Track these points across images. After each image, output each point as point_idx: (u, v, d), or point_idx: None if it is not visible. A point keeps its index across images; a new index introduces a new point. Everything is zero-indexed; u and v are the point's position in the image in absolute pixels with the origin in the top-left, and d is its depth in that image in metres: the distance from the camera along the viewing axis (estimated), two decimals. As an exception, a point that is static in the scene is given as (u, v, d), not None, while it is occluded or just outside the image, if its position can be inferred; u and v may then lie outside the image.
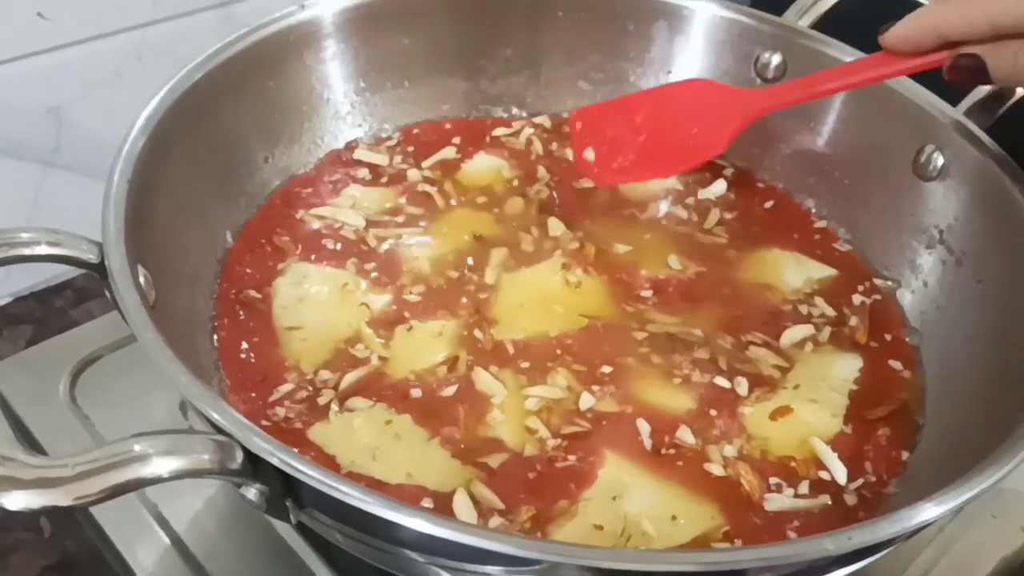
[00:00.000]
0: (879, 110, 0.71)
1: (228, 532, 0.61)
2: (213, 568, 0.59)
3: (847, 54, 0.72)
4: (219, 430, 0.43)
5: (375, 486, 0.53)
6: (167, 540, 0.60)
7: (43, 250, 0.50)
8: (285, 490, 0.44)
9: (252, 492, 0.45)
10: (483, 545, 0.40)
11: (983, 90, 0.67)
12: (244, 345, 0.61)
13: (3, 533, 0.70)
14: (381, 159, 0.75)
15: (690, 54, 0.79)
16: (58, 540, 0.70)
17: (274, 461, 0.42)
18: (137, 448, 0.41)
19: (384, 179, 0.74)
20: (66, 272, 0.88)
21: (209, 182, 0.64)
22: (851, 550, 0.42)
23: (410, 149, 0.77)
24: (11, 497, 0.38)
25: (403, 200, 0.72)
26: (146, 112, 0.58)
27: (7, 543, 0.70)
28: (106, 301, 0.85)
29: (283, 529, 0.60)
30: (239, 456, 0.43)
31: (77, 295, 0.88)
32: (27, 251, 0.50)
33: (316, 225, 0.70)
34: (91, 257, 0.51)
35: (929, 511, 0.44)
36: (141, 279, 0.51)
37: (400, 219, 0.71)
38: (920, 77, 0.68)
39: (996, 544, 0.64)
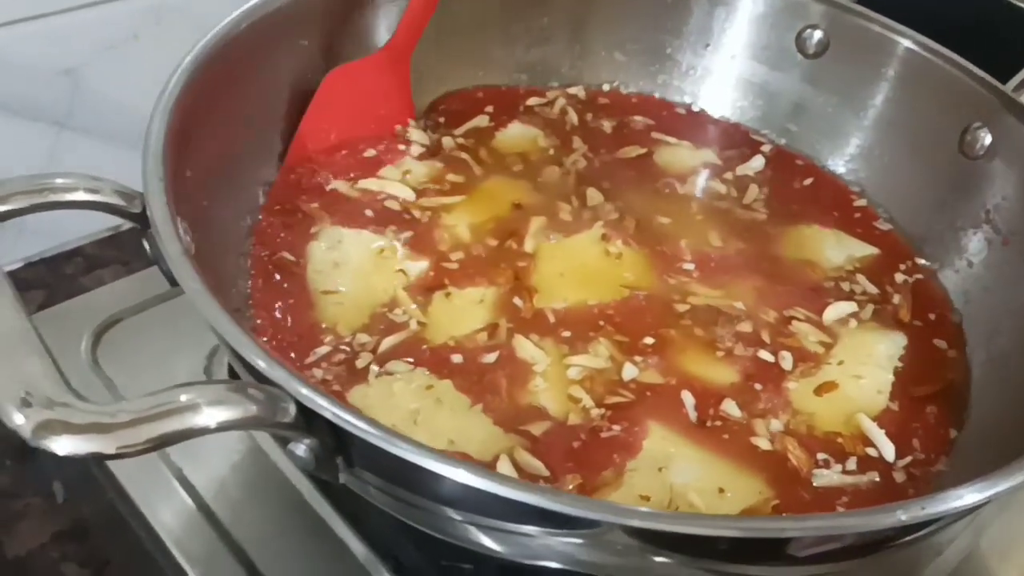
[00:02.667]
0: (924, 87, 0.70)
1: (255, 497, 0.60)
2: (239, 533, 0.58)
3: (891, 29, 0.71)
4: (267, 383, 0.42)
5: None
6: (192, 504, 0.59)
7: (81, 196, 0.48)
8: (336, 447, 0.43)
9: (301, 448, 0.43)
10: (550, 506, 0.39)
11: (1033, 68, 0.66)
12: (279, 306, 0.59)
13: (12, 499, 0.68)
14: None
15: (730, 27, 0.78)
16: (71, 506, 0.68)
17: (328, 415, 0.40)
18: (184, 397, 0.40)
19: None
20: (77, 239, 0.86)
21: (243, 139, 0.63)
22: (924, 519, 0.41)
23: (441, 120, 0.76)
24: (60, 442, 0.37)
25: (440, 168, 0.71)
26: (185, 62, 0.56)
27: (16, 508, 0.68)
28: (118, 269, 0.85)
29: (309, 495, 0.59)
30: (292, 410, 0.41)
31: (88, 262, 0.86)
32: (66, 196, 0.48)
33: (352, 192, 0.68)
34: (131, 206, 0.49)
35: (999, 484, 0.43)
36: (181, 231, 0.49)
37: (437, 186, 0.69)
38: (968, 51, 0.68)
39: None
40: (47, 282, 0.84)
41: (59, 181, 0.49)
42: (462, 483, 0.39)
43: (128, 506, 0.59)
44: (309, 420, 0.41)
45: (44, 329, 0.66)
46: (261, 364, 0.42)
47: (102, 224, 0.83)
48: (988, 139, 0.66)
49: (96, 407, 0.38)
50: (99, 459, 0.38)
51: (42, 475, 0.70)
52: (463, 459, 0.51)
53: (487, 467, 0.51)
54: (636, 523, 0.40)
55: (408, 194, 0.68)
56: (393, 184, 0.68)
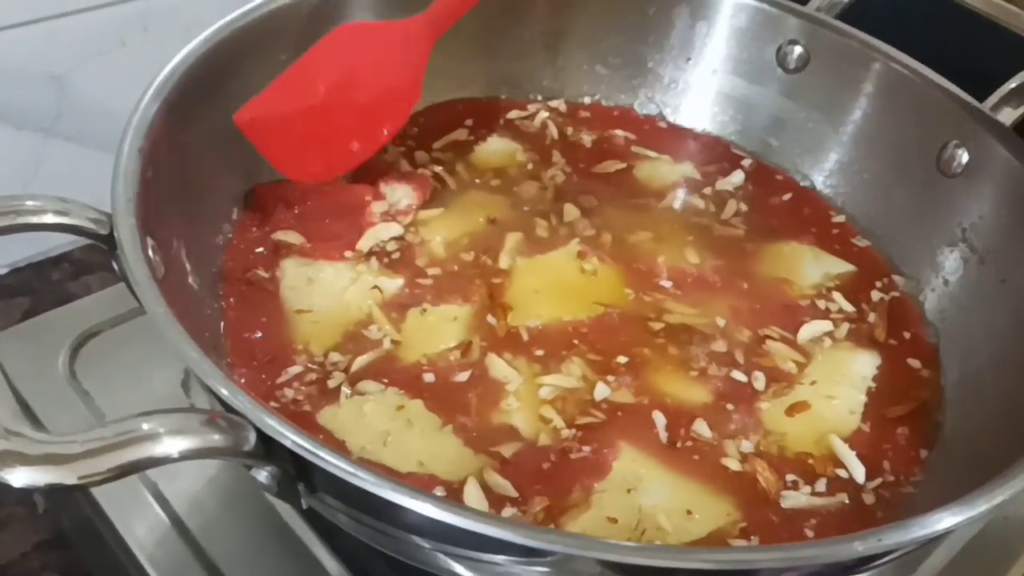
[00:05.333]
0: (903, 104, 0.70)
1: (229, 513, 0.59)
2: (213, 549, 0.58)
3: (871, 46, 0.71)
4: (231, 410, 0.42)
5: (386, 474, 0.51)
6: (166, 520, 0.59)
7: (50, 219, 0.48)
8: (298, 474, 0.43)
9: (263, 475, 0.43)
10: (509, 538, 0.39)
11: (1010, 85, 0.66)
12: (251, 324, 0.59)
13: (-4, 507, 0.69)
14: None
15: (711, 41, 0.77)
16: (52, 516, 0.69)
17: (288, 444, 0.41)
18: (145, 427, 0.40)
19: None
20: (64, 244, 0.86)
21: (219, 155, 0.62)
22: (881, 551, 0.41)
23: (414, 130, 0.75)
24: (15, 474, 0.37)
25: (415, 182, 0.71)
26: (158, 80, 0.56)
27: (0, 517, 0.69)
28: (105, 275, 0.85)
29: (285, 512, 0.59)
30: (252, 438, 0.41)
31: (75, 268, 0.86)
32: (33, 219, 0.48)
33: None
34: (99, 228, 0.49)
35: (961, 513, 0.43)
36: (150, 251, 0.50)
37: (412, 201, 0.69)
38: (947, 69, 0.68)
39: (1009, 546, 0.63)
40: (33, 288, 0.84)
41: (28, 203, 0.49)
42: (419, 513, 0.39)
43: (102, 519, 0.59)
44: (269, 448, 0.42)
45: (23, 342, 0.67)
46: (223, 392, 0.42)
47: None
48: (965, 157, 0.66)
49: (52, 437, 0.38)
50: (60, 490, 0.38)
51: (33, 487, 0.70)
52: (430, 482, 0.52)
53: (454, 490, 0.52)
54: (592, 554, 0.40)
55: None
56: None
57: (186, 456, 0.40)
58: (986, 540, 0.63)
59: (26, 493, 0.69)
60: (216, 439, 0.41)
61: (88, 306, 0.71)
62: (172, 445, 0.40)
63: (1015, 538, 0.63)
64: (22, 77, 0.78)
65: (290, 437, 0.41)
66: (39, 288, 0.84)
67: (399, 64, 0.65)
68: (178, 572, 0.57)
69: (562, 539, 0.42)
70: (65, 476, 0.38)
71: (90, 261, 0.86)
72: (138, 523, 0.59)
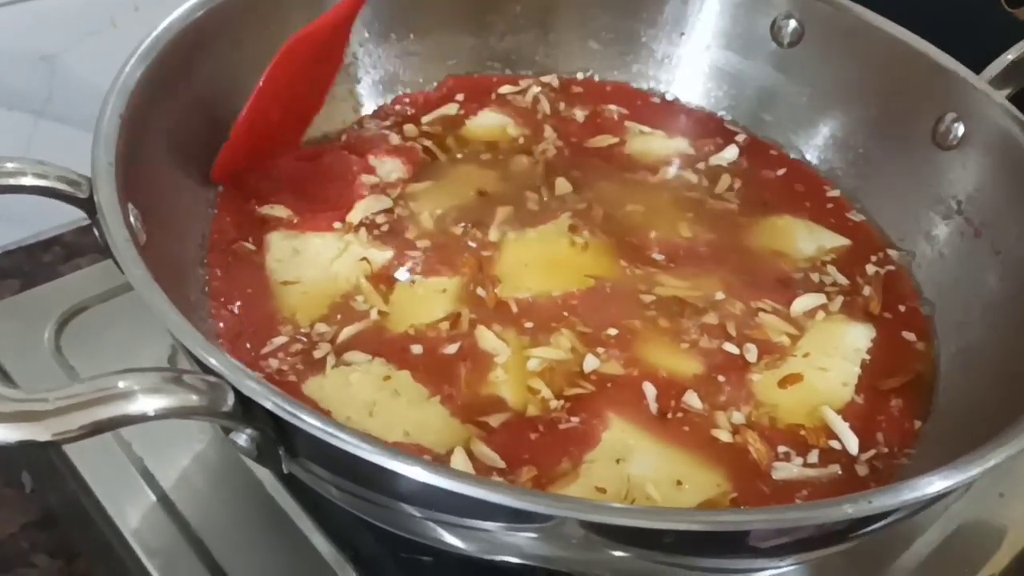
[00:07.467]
0: (899, 77, 0.70)
1: (217, 489, 0.59)
2: (200, 526, 0.57)
3: (866, 18, 0.71)
4: (209, 371, 0.41)
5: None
6: (153, 496, 0.58)
7: (29, 181, 0.48)
8: (278, 437, 0.42)
9: (243, 438, 0.43)
10: (486, 497, 0.38)
11: (1007, 58, 0.65)
12: (237, 295, 0.58)
13: (-18, 488, 0.68)
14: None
15: (704, 15, 0.77)
16: (40, 495, 0.68)
17: (267, 404, 0.40)
18: (122, 384, 0.39)
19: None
20: (55, 227, 0.86)
21: (205, 124, 0.62)
22: (870, 514, 0.40)
23: (405, 108, 0.75)
24: (-13, 430, 0.36)
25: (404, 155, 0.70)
26: (142, 47, 0.56)
27: (-13, 497, 0.68)
28: (96, 258, 0.84)
29: (273, 487, 0.58)
30: (230, 399, 0.41)
31: (66, 251, 0.86)
32: (12, 181, 0.48)
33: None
34: (78, 191, 0.49)
35: (952, 477, 0.42)
36: (132, 218, 0.49)
37: (402, 174, 0.68)
38: (943, 42, 0.67)
39: (1003, 522, 0.63)
40: (25, 270, 0.84)
41: (7, 166, 0.48)
42: (399, 476, 0.39)
43: (89, 497, 0.59)
44: (247, 409, 0.41)
45: (9, 316, 0.67)
46: (200, 351, 0.41)
47: (81, 213, 0.83)
48: (961, 130, 0.66)
49: (24, 394, 0.37)
50: (34, 447, 0.38)
51: (11, 464, 0.70)
52: (416, 451, 0.51)
53: (441, 460, 0.51)
54: (582, 516, 0.39)
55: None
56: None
57: (162, 415, 0.39)
58: (982, 517, 0.62)
59: (14, 473, 0.69)
60: (193, 399, 0.40)
61: (75, 282, 0.70)
62: (147, 403, 0.39)
63: (1012, 515, 0.63)
64: (12, 58, 0.78)
65: (267, 397, 0.40)
66: (30, 270, 0.84)
67: (331, 55, 0.67)
68: (165, 549, 0.56)
69: (553, 502, 0.41)
70: (38, 433, 0.37)
71: (81, 244, 0.86)
72: (125, 501, 0.58)
